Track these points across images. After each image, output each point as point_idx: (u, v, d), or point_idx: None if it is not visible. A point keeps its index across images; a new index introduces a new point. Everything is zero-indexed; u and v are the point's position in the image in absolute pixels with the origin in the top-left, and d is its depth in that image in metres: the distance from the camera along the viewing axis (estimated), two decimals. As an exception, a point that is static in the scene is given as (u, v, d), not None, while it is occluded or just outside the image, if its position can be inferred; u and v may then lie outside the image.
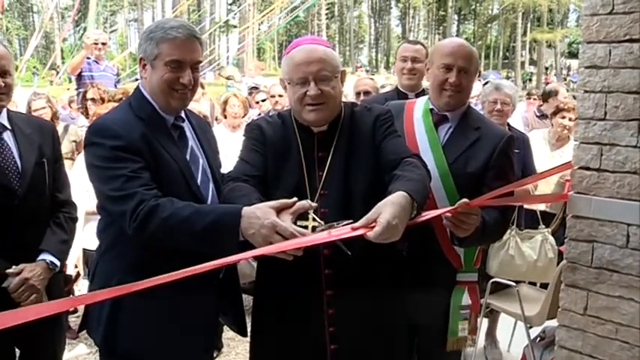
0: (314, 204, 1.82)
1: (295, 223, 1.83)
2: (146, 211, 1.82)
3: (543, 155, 4.57)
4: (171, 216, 1.81)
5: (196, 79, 2.08)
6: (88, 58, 6.71)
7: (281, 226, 1.70)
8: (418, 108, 2.50)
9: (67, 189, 2.64)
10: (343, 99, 2.27)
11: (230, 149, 2.33)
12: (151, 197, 1.86)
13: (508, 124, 3.90)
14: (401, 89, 3.80)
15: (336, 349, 2.09)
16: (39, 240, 2.44)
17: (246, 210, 1.76)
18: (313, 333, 2.09)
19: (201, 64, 2.14)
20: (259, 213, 1.73)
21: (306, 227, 1.89)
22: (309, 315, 2.08)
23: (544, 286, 3.76)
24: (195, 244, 1.82)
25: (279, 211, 1.75)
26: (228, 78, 10.27)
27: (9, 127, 2.41)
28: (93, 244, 2.37)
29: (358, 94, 4.42)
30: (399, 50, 3.95)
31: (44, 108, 4.97)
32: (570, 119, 4.63)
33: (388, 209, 1.72)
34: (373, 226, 1.70)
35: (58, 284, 2.61)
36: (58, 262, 2.45)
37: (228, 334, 4.05)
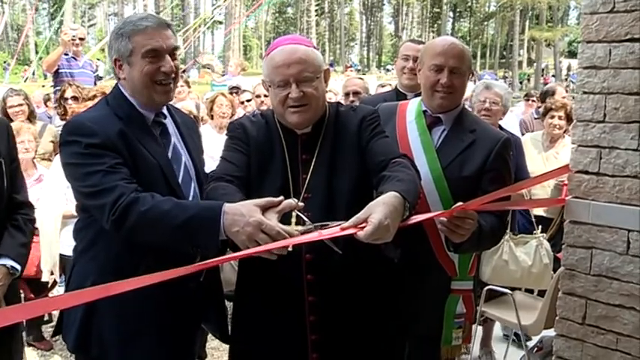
0: (301, 203, 1.77)
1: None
2: (126, 204, 1.77)
3: (537, 158, 4.50)
4: (151, 209, 1.76)
5: (177, 66, 2.03)
6: (66, 54, 6.48)
7: (267, 224, 1.64)
8: (411, 110, 2.44)
9: (25, 190, 2.51)
10: (333, 99, 2.19)
11: (216, 151, 2.26)
12: (132, 190, 1.81)
13: (500, 126, 3.82)
14: (400, 89, 3.73)
15: (318, 357, 2.03)
16: None
17: (229, 207, 1.71)
18: (294, 341, 2.03)
19: (179, 52, 2.10)
20: (244, 210, 1.68)
21: None
22: (290, 322, 2.03)
23: (541, 293, 3.71)
24: (174, 240, 1.78)
25: (264, 209, 1.70)
26: (205, 66, 10.04)
27: None
28: (70, 249, 2.29)
29: (347, 94, 4.36)
30: (401, 49, 3.90)
31: (21, 105, 4.81)
32: (560, 117, 4.54)
33: (380, 209, 1.67)
34: (364, 226, 1.65)
35: (15, 290, 2.47)
36: (18, 267, 2.33)
37: (212, 343, 3.96)
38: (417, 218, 1.90)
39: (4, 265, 2.29)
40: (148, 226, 1.77)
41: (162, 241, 1.79)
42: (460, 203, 1.98)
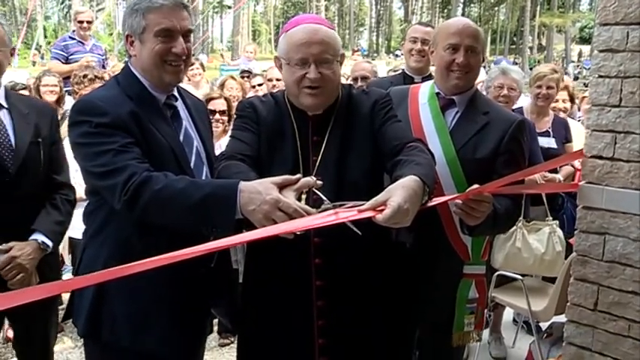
0: (319, 182, 1.72)
1: None
2: (138, 184, 1.73)
3: None
4: (164, 188, 1.72)
5: (189, 49, 2.00)
6: (73, 38, 6.41)
7: (284, 202, 1.59)
8: (423, 93, 2.40)
9: (66, 171, 2.62)
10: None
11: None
12: (144, 170, 1.76)
13: (513, 110, 3.78)
14: (407, 72, 3.71)
15: (325, 343, 2.02)
16: (32, 220, 2.43)
17: (245, 184, 1.66)
18: (300, 326, 2.02)
19: (191, 34, 2.05)
20: (261, 188, 1.63)
21: None
22: (297, 307, 2.01)
23: (547, 279, 3.69)
24: (188, 220, 1.73)
25: (281, 187, 1.65)
26: (222, 54, 9.98)
27: (5, 105, 2.43)
28: (79, 232, 2.30)
29: (355, 79, 4.31)
30: (408, 31, 3.90)
31: (54, 86, 4.88)
32: (564, 100, 4.38)
33: (399, 192, 1.63)
34: (382, 209, 1.61)
35: (53, 266, 2.61)
36: (50, 243, 2.44)
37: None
38: (434, 201, 1.87)
39: (36, 240, 2.40)
40: (162, 206, 1.73)
41: (176, 221, 1.75)
42: (476, 185, 1.95)
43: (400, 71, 4.02)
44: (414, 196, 1.65)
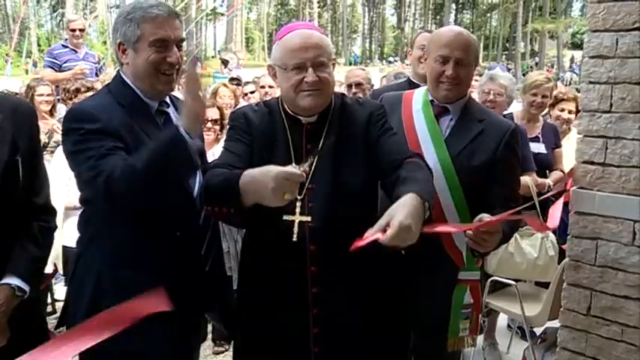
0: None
1: (281, 219, 1.87)
2: (106, 178, 1.74)
3: None
4: (126, 165, 1.74)
5: (181, 57, 2.01)
6: (65, 46, 6.37)
7: (284, 172, 1.67)
8: (417, 100, 2.41)
9: (46, 190, 2.12)
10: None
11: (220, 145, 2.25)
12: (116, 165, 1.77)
13: (504, 116, 3.80)
14: (413, 79, 3.71)
15: (320, 351, 2.02)
16: (7, 256, 1.95)
17: (245, 176, 1.75)
18: (296, 333, 2.02)
19: (183, 42, 2.06)
20: (257, 173, 1.72)
21: (292, 222, 1.89)
22: (293, 314, 2.01)
23: (539, 284, 3.71)
24: (159, 169, 1.76)
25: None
26: (223, 61, 9.98)
27: None
28: (73, 241, 2.26)
29: (350, 86, 4.31)
30: (418, 39, 3.89)
31: (50, 95, 4.84)
32: (570, 111, 4.35)
33: (400, 211, 1.66)
34: (386, 231, 1.64)
35: (35, 313, 2.16)
36: (26, 288, 1.94)
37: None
38: (441, 229, 1.92)
39: (9, 285, 1.91)
40: (133, 178, 1.72)
41: (153, 180, 1.75)
42: (486, 216, 1.98)
43: (405, 78, 4.02)
44: (414, 212, 1.67)
